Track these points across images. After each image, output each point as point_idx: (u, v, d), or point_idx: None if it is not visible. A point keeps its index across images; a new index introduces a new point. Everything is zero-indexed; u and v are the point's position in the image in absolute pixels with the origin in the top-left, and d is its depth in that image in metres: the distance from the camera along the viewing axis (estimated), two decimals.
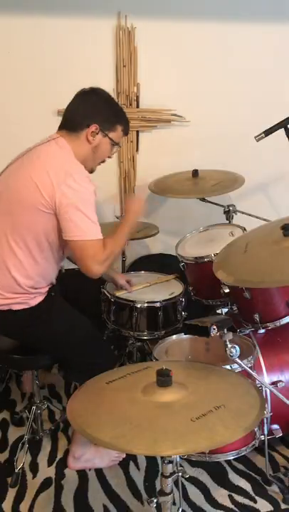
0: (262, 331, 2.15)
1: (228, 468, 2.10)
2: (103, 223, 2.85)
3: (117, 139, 2.01)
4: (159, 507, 1.51)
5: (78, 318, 2.08)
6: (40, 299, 2.00)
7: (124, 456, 2.15)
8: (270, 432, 2.02)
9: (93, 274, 1.88)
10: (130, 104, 2.93)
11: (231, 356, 1.65)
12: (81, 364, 2.04)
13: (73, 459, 2.09)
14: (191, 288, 2.51)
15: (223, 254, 2.10)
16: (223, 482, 2.03)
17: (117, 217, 2.85)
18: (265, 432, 1.98)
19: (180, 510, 1.76)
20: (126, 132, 2.06)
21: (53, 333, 2.01)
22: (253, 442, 1.94)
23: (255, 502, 1.93)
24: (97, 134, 1.94)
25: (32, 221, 1.87)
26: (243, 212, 2.72)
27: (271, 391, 1.90)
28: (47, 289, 2.03)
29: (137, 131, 3.00)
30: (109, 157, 2.07)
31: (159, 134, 3.03)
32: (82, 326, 2.07)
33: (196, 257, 2.38)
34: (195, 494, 1.98)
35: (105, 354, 2.12)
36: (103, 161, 2.08)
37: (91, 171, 2.04)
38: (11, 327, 2.01)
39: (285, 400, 1.84)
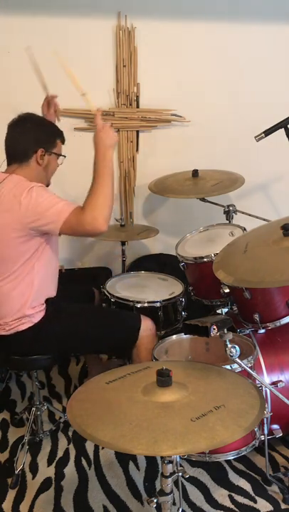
0: (262, 331, 2.15)
1: (228, 468, 2.10)
2: None
3: (60, 151, 2.15)
4: (159, 507, 1.51)
5: (76, 311, 2.17)
6: (42, 314, 2.07)
7: None
8: (270, 432, 2.02)
9: (95, 232, 1.91)
10: (130, 104, 2.93)
11: (231, 356, 1.65)
12: (112, 343, 2.15)
13: None
14: (191, 288, 2.51)
15: (223, 254, 2.10)
16: (223, 482, 2.03)
17: (117, 220, 2.85)
18: (265, 432, 1.97)
19: (180, 510, 1.76)
20: (63, 141, 2.18)
21: (65, 334, 2.09)
22: (253, 442, 1.94)
23: (255, 502, 1.93)
24: (44, 155, 2.07)
25: (16, 253, 1.96)
26: (243, 212, 2.72)
27: (271, 391, 1.90)
28: (45, 304, 2.10)
29: (137, 131, 3.00)
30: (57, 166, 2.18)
31: (158, 134, 3.03)
32: (84, 314, 2.18)
33: (195, 257, 2.38)
34: (195, 494, 1.98)
35: (124, 320, 2.19)
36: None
37: (47, 186, 2.14)
38: (22, 347, 2.06)
39: (285, 399, 1.83)
